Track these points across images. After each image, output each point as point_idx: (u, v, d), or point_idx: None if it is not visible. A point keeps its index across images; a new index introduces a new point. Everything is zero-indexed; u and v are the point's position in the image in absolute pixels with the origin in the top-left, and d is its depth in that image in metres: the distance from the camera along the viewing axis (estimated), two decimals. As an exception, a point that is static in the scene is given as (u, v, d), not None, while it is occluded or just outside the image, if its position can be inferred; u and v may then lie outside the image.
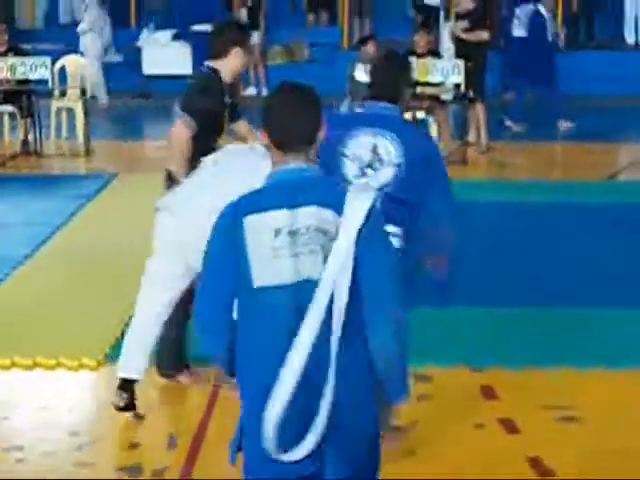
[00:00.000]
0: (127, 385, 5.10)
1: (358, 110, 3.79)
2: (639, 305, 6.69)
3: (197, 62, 14.29)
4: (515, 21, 14.12)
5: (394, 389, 3.14)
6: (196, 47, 14.19)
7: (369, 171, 4.35)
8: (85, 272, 7.31)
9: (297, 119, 3.00)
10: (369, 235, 2.92)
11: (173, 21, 15.70)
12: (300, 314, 2.90)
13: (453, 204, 4.71)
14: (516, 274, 7.30)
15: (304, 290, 2.92)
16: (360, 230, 2.90)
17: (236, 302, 3.03)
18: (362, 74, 10.86)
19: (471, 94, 11.10)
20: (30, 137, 11.53)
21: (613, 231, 8.31)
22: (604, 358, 5.85)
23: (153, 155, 11.84)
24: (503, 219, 8.65)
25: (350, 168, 4.36)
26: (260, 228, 2.95)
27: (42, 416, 5.21)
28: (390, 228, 3.89)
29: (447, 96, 11.20)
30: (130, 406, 5.11)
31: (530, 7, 14.04)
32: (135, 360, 5.14)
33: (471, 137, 11.50)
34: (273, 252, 2.93)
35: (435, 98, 11.08)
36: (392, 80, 4.49)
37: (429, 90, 11.04)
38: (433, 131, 11.17)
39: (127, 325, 6.19)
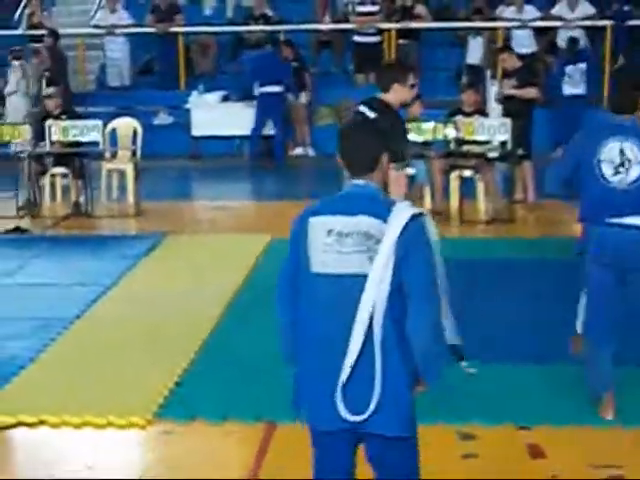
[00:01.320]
0: None
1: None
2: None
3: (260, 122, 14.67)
4: (566, 79, 14.24)
5: (429, 374, 3.70)
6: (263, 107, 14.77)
7: None
8: (135, 332, 7.39)
9: (357, 148, 3.77)
10: (410, 241, 3.56)
11: (222, 83, 15.95)
12: (343, 299, 3.60)
13: None
14: (563, 331, 7.25)
15: (349, 281, 3.61)
16: (400, 235, 3.53)
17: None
18: (410, 134, 10.95)
19: (520, 152, 11.12)
20: (82, 199, 11.74)
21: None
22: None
23: (202, 216, 12.01)
24: (552, 276, 8.61)
25: None
26: (318, 227, 3.69)
27: (88, 475, 5.24)
28: None
29: (494, 154, 11.24)
30: None
31: (582, 66, 14.15)
32: None
33: (518, 195, 11.51)
34: (324, 247, 3.66)
35: (482, 156, 11.12)
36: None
37: (476, 149, 11.09)
38: (480, 189, 11.21)
39: (176, 384, 6.32)
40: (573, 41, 14.71)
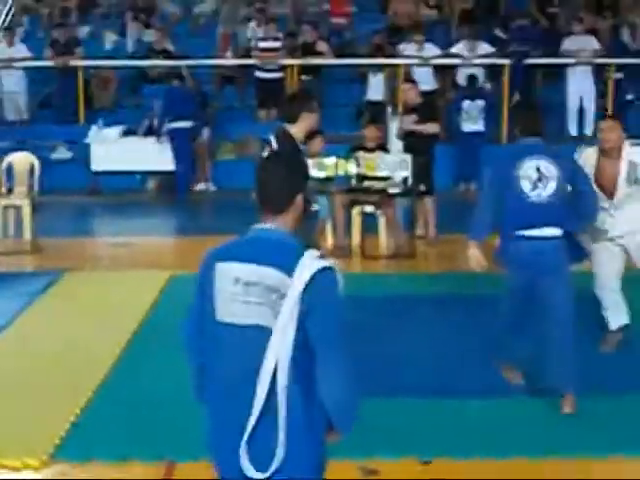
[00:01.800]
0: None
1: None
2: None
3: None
4: (464, 115, 14.45)
5: (342, 424, 3.59)
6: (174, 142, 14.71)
7: None
8: (31, 371, 7.20)
9: (272, 186, 3.58)
10: (315, 295, 3.39)
11: (121, 117, 15.78)
12: (247, 350, 3.47)
13: None
14: (464, 365, 7.31)
15: (253, 332, 3.47)
16: (305, 290, 3.37)
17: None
18: (311, 169, 10.97)
19: (421, 187, 11.20)
20: (-23, 236, 11.45)
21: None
22: (557, 447, 5.85)
23: (102, 252, 11.82)
24: (453, 311, 8.66)
25: None
26: (225, 274, 3.53)
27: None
28: None
29: (395, 190, 11.31)
30: None
31: (480, 103, 14.39)
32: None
33: (420, 230, 11.59)
34: (231, 296, 3.51)
35: (383, 192, 11.18)
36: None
37: (377, 184, 11.15)
38: (382, 225, 11.26)
39: (72, 424, 6.15)
40: (472, 78, 14.96)
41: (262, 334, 3.43)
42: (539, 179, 6.23)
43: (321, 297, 3.41)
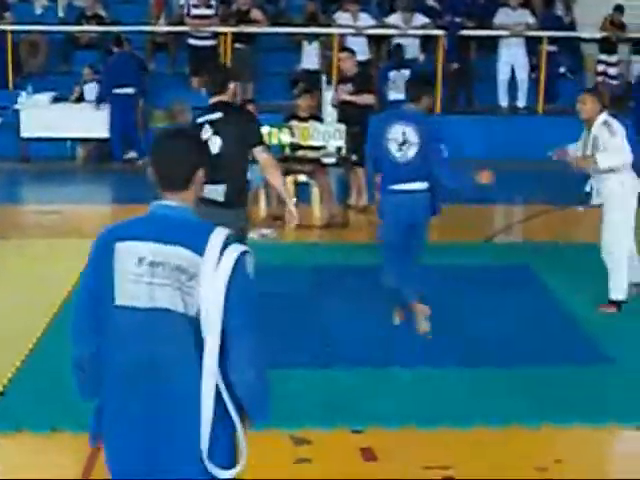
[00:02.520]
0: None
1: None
2: (525, 364, 6.79)
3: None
4: (390, 84, 14.44)
5: (258, 413, 3.42)
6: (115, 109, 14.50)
7: None
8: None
9: (172, 163, 3.41)
10: (234, 280, 3.24)
11: (52, 83, 15.50)
12: (150, 335, 3.30)
13: None
14: (395, 335, 7.35)
15: (158, 317, 3.29)
16: (229, 279, 3.22)
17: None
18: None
19: (354, 158, 11.19)
20: None
21: (492, 291, 8.45)
22: (484, 418, 5.91)
23: (31, 220, 11.64)
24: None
25: None
26: (127, 254, 3.32)
27: None
28: None
29: (329, 160, 11.29)
30: None
31: (406, 72, 14.37)
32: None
33: (352, 200, 11.60)
34: (134, 277, 3.31)
35: (317, 161, 11.16)
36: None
37: (311, 154, 11.13)
38: (315, 194, 11.25)
39: (0, 395, 6.08)
40: (397, 47, 14.93)
41: (168, 318, 3.27)
42: (404, 142, 7.25)
43: (239, 283, 3.25)
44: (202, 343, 3.26)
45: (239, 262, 3.27)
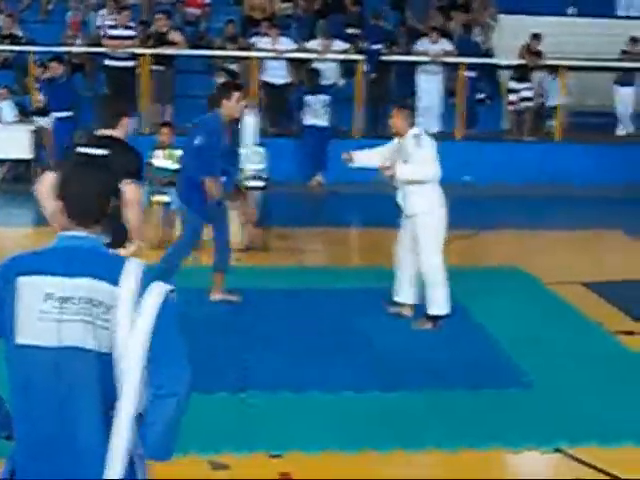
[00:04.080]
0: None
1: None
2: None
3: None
4: (307, 109, 14.47)
5: (164, 450, 3.23)
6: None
7: None
8: None
9: (83, 193, 3.22)
10: (163, 323, 3.10)
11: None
12: (60, 378, 3.10)
13: None
14: (313, 359, 7.30)
15: (67, 356, 3.09)
16: (157, 316, 3.08)
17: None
18: (160, 160, 10.80)
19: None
20: None
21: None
22: (402, 441, 5.89)
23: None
24: (302, 305, 8.66)
25: None
26: (31, 290, 3.11)
27: None
28: None
29: (249, 183, 11.23)
30: None
31: (324, 97, 14.42)
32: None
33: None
34: (39, 314, 3.09)
35: (236, 185, 11.07)
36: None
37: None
38: (235, 218, 11.15)
39: None
40: (314, 72, 14.97)
41: (76, 357, 3.10)
42: None
43: (167, 324, 3.12)
44: (108, 380, 3.11)
45: (166, 302, 3.14)
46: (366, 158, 8.44)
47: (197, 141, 8.03)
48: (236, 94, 8.18)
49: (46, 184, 5.85)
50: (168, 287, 3.18)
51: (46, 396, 3.12)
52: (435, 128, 16.03)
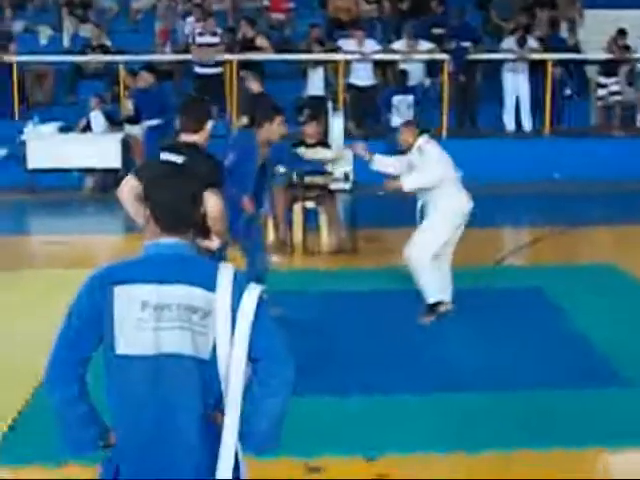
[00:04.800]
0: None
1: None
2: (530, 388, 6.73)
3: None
4: (394, 110, 14.42)
5: (268, 446, 3.28)
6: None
7: None
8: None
9: (173, 201, 3.23)
10: (261, 324, 3.14)
11: (58, 113, 15.50)
12: (159, 385, 3.14)
13: None
14: (415, 361, 7.28)
15: (166, 364, 3.13)
16: (254, 320, 3.11)
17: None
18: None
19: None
20: None
21: (505, 314, 8.39)
22: (498, 442, 5.84)
23: (38, 251, 11.61)
24: (393, 306, 8.64)
25: None
26: (128, 299, 3.13)
27: None
28: None
29: (336, 186, 11.25)
30: None
31: (409, 98, 14.33)
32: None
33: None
34: (137, 323, 3.12)
35: (324, 188, 11.12)
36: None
37: (318, 180, 11.09)
38: (323, 221, 11.20)
39: (9, 428, 6.01)
40: (401, 73, 14.93)
41: (176, 363, 3.14)
42: None
43: (265, 324, 3.18)
44: (207, 385, 3.16)
45: (261, 303, 3.18)
46: (383, 164, 8.66)
47: (228, 160, 7.70)
48: (278, 118, 7.99)
49: (127, 189, 5.97)
50: (261, 288, 3.22)
51: (145, 402, 3.17)
52: (526, 126, 15.89)
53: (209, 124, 6.25)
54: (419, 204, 8.30)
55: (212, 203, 5.47)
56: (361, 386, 6.74)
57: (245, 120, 12.76)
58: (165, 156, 5.99)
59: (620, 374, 7.00)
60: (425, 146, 8.19)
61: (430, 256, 8.08)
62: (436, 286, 8.14)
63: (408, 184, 8.10)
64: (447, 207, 8.10)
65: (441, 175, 8.06)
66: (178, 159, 5.83)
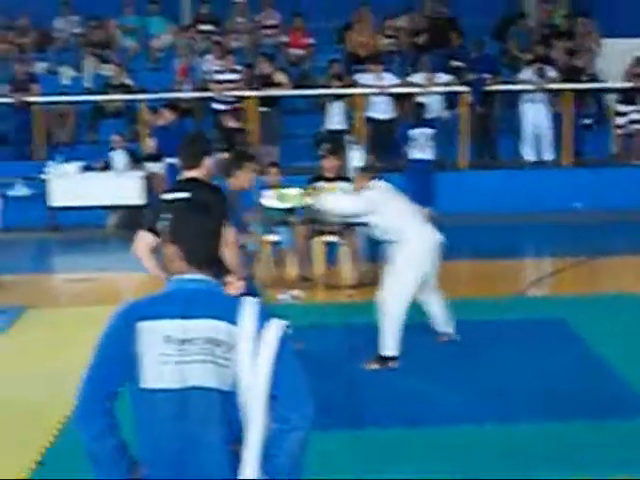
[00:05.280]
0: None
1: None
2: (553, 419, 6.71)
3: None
4: (412, 143, 14.44)
5: (288, 479, 3.26)
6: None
7: None
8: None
9: (197, 236, 3.31)
10: (283, 359, 3.18)
11: (80, 153, 15.65)
12: (184, 418, 3.18)
13: None
14: (431, 392, 7.28)
15: (191, 397, 3.17)
16: (277, 354, 3.16)
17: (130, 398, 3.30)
18: (269, 200, 10.96)
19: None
20: None
21: (528, 345, 8.38)
22: (526, 474, 5.83)
23: (63, 289, 11.69)
24: (416, 338, 8.63)
25: None
26: (152, 334, 3.20)
27: None
28: None
29: (356, 219, 11.28)
30: None
31: (428, 131, 14.36)
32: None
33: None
34: (161, 358, 3.18)
35: (345, 222, 11.16)
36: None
37: (339, 214, 11.11)
38: (344, 254, 11.23)
39: (38, 463, 6.05)
40: (419, 106, 14.97)
41: (200, 396, 3.18)
42: None
43: (287, 360, 3.22)
44: (233, 418, 3.20)
45: (284, 337, 3.22)
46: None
47: None
48: (250, 165, 7.55)
49: (142, 245, 5.88)
50: (284, 323, 3.26)
51: (171, 435, 3.21)
52: (547, 156, 15.89)
53: (208, 160, 6.27)
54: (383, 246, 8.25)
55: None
56: (383, 418, 6.75)
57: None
58: (170, 196, 5.96)
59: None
60: (373, 186, 8.15)
61: (404, 305, 7.91)
62: (395, 341, 7.94)
63: (327, 202, 8.24)
64: (409, 251, 7.91)
65: (360, 210, 8.06)
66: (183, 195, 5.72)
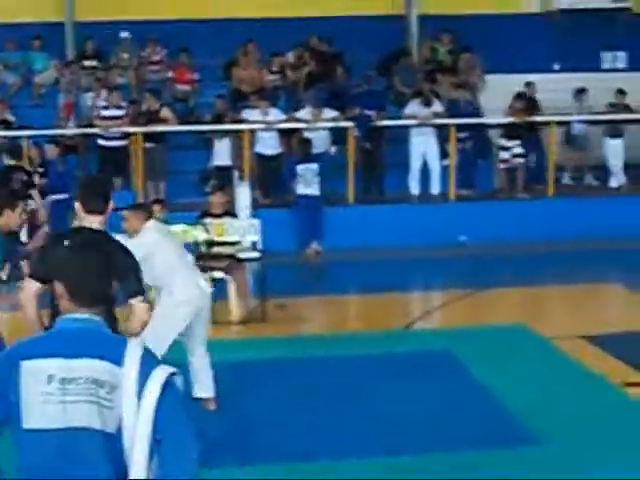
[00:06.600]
0: None
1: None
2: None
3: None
4: (299, 178, 14.49)
5: None
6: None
7: None
8: None
9: (84, 275, 3.25)
10: (166, 405, 3.11)
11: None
12: (68, 458, 3.09)
13: None
14: (319, 427, 7.24)
15: (75, 437, 3.10)
16: (160, 398, 3.09)
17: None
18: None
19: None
20: None
21: (414, 377, 8.40)
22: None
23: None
24: (303, 374, 8.60)
25: None
26: (35, 373, 3.13)
27: None
28: None
29: (245, 255, 11.24)
30: None
31: (314, 166, 14.42)
32: None
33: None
34: (43, 397, 3.10)
35: (233, 257, 11.09)
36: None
37: (226, 250, 11.06)
38: (232, 290, 11.13)
39: None
40: (305, 142, 15.03)
41: (83, 437, 3.11)
42: None
43: (170, 406, 3.14)
44: (117, 460, 3.12)
45: (168, 385, 3.14)
46: None
47: None
48: (21, 205, 7.14)
49: (29, 292, 5.55)
50: (171, 369, 3.20)
51: (53, 476, 3.12)
52: (435, 190, 16.05)
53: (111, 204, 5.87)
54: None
55: (139, 308, 5.25)
56: (272, 454, 6.71)
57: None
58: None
59: (531, 433, 7.05)
60: (147, 228, 7.71)
61: (166, 347, 7.35)
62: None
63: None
64: (175, 297, 7.58)
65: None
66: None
